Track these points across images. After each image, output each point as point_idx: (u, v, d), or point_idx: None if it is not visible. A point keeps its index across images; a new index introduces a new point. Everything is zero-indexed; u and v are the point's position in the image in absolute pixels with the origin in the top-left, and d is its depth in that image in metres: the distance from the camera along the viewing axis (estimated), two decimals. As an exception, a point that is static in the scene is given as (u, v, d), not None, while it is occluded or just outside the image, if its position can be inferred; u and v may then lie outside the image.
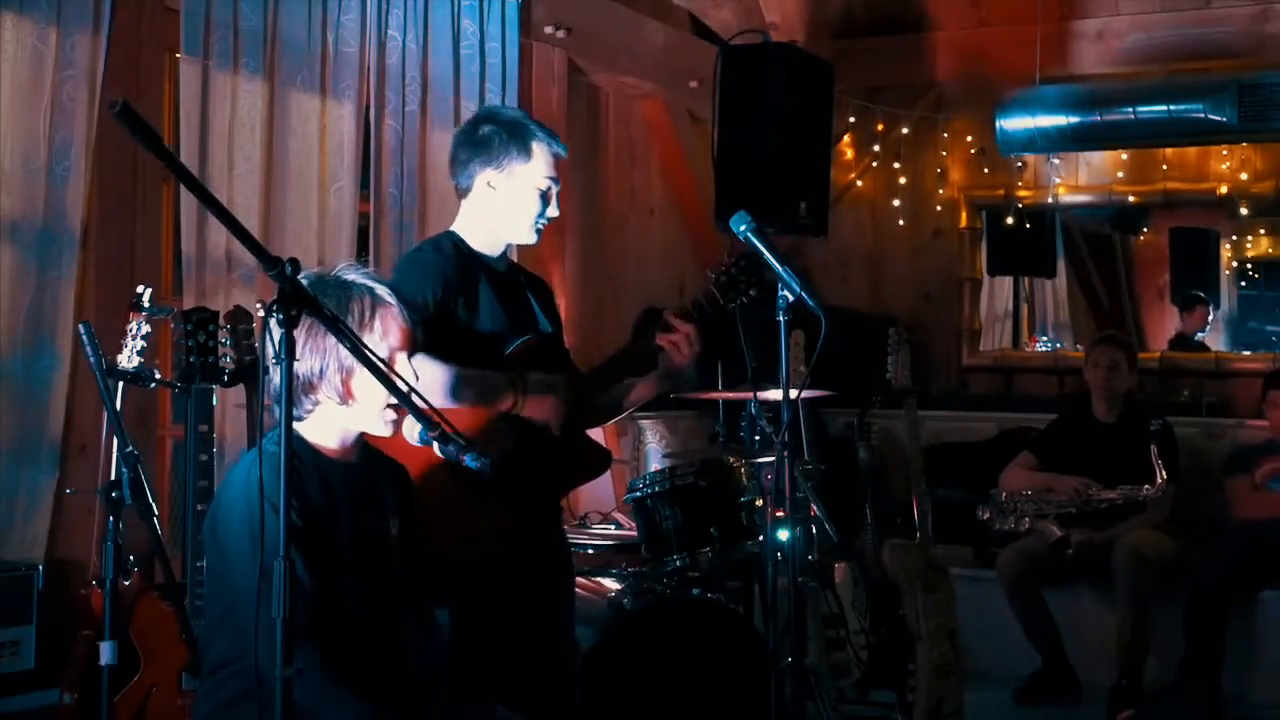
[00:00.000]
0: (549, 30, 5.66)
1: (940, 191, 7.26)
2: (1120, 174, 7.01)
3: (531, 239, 3.37)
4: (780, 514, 3.51)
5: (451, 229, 3.36)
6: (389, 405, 2.58)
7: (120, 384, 3.53)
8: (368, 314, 2.58)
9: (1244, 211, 7.16)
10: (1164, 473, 5.35)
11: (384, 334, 2.59)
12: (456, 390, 3.07)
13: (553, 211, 3.35)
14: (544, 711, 3.27)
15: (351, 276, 2.61)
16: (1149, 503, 5.41)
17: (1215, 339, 7.98)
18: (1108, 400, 5.69)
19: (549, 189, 3.31)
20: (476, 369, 3.12)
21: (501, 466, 3.09)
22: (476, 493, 3.09)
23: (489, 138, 3.28)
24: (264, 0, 4.45)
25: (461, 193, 3.34)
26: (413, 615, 2.75)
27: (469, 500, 3.10)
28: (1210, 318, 7.95)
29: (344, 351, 2.49)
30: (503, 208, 3.30)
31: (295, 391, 2.51)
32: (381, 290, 2.62)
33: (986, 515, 5.60)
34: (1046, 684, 5.44)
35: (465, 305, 3.20)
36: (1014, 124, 6.68)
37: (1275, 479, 5.54)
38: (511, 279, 3.39)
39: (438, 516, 3.03)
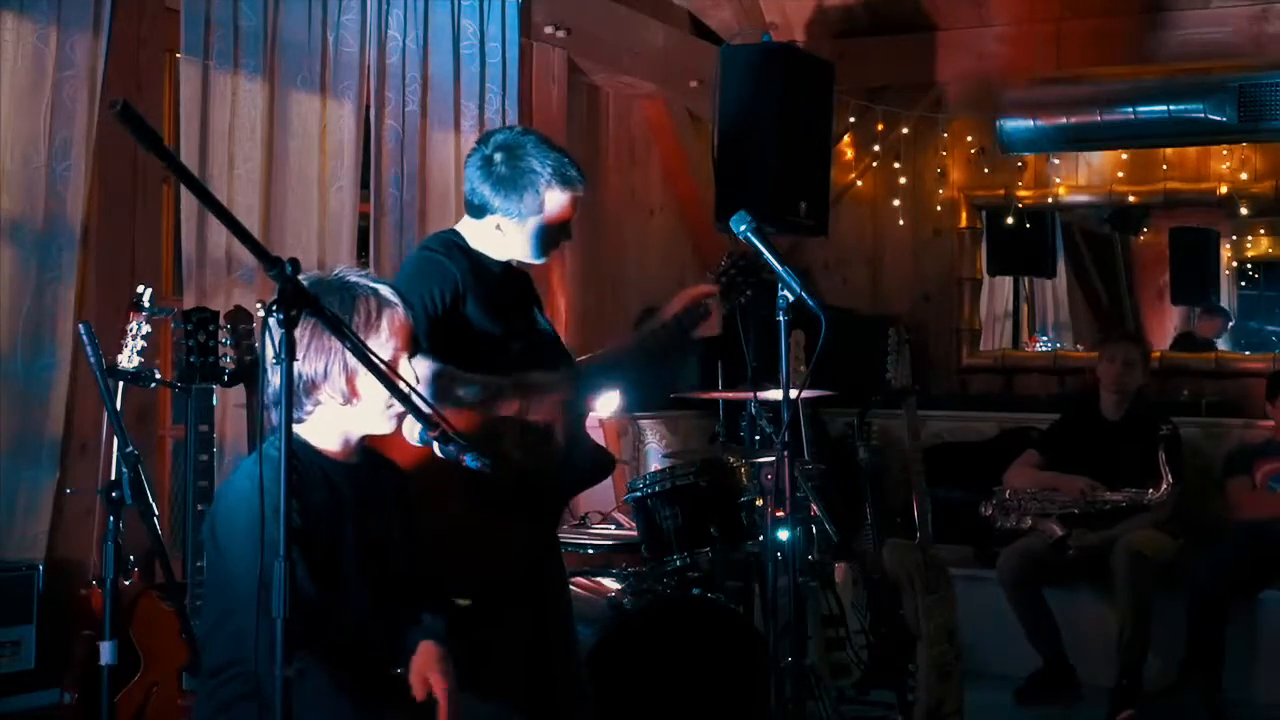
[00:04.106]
0: (549, 30, 5.66)
1: (940, 191, 7.26)
2: (1120, 174, 7.00)
3: (541, 262, 3.37)
4: (780, 514, 3.51)
5: (456, 228, 3.33)
6: (392, 404, 2.58)
7: (120, 384, 3.53)
8: (373, 315, 2.58)
9: (1244, 211, 7.15)
10: (1170, 477, 5.35)
11: (390, 335, 2.59)
12: (460, 394, 3.06)
13: (566, 238, 3.33)
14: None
15: (354, 279, 2.61)
16: (1153, 505, 5.41)
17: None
18: (1117, 397, 5.69)
19: (562, 226, 3.28)
20: (481, 373, 3.11)
21: (512, 471, 3.11)
22: (488, 499, 3.10)
23: (504, 181, 3.20)
24: (264, 0, 4.45)
25: (472, 212, 3.28)
26: (418, 616, 2.75)
27: (481, 507, 3.10)
28: (1226, 330, 7.95)
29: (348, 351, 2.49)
30: (513, 243, 3.28)
31: (296, 393, 2.51)
32: (385, 291, 2.62)
33: (989, 512, 5.60)
34: (1047, 683, 5.44)
35: (471, 306, 3.19)
36: (1014, 124, 6.68)
37: (1275, 479, 5.54)
38: (509, 278, 3.37)
39: (450, 523, 3.04)
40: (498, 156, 3.20)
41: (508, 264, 3.36)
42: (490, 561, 3.15)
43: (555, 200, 3.21)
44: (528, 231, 3.24)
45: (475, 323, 3.19)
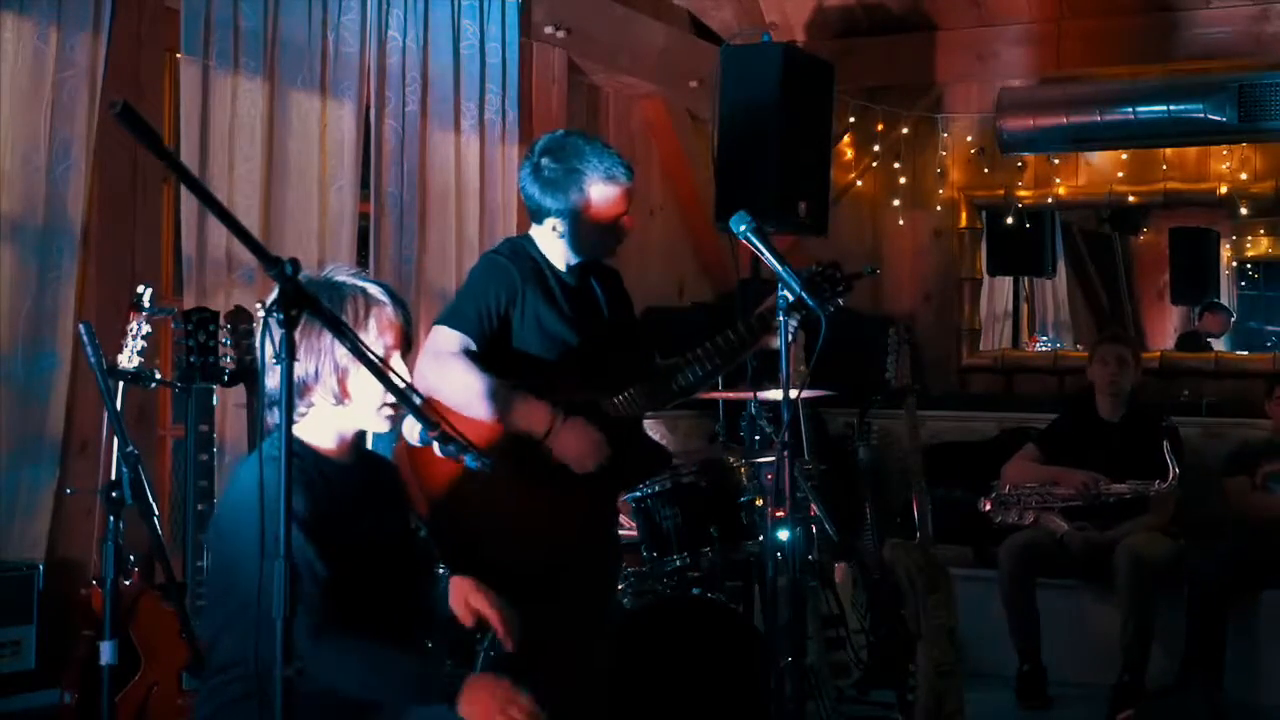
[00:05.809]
0: (549, 30, 5.66)
1: (940, 191, 7.25)
2: (1120, 174, 7.00)
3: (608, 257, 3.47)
4: (780, 514, 3.51)
5: (529, 233, 3.43)
6: (386, 403, 2.58)
7: (120, 384, 3.53)
8: (362, 313, 2.58)
9: (1244, 211, 7.15)
10: (1176, 468, 5.34)
11: (379, 333, 2.59)
12: (491, 401, 3.14)
13: (623, 233, 3.40)
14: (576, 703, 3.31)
15: (342, 278, 2.61)
16: (1156, 499, 5.40)
17: (1216, 339, 7.98)
18: (1112, 398, 5.67)
19: (614, 223, 3.36)
20: (543, 372, 3.22)
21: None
22: (540, 490, 3.16)
23: (551, 183, 3.31)
24: (264, 0, 4.45)
25: (532, 218, 3.39)
26: (417, 613, 2.76)
27: (533, 498, 3.18)
28: (1229, 326, 7.95)
29: (340, 351, 2.50)
30: (571, 244, 3.36)
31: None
32: (374, 290, 2.62)
33: (987, 507, 5.59)
34: (1021, 685, 5.40)
35: (532, 306, 3.27)
36: (1014, 124, 6.68)
37: (1275, 479, 5.54)
38: (582, 281, 3.44)
39: (506, 508, 3.13)
40: (544, 160, 3.32)
41: (583, 265, 3.42)
42: (544, 545, 3.24)
43: (601, 194, 3.31)
44: (581, 229, 3.32)
45: (537, 323, 3.27)
